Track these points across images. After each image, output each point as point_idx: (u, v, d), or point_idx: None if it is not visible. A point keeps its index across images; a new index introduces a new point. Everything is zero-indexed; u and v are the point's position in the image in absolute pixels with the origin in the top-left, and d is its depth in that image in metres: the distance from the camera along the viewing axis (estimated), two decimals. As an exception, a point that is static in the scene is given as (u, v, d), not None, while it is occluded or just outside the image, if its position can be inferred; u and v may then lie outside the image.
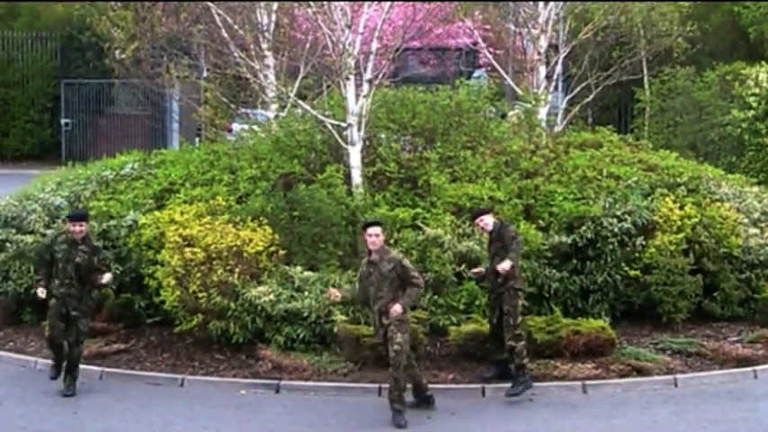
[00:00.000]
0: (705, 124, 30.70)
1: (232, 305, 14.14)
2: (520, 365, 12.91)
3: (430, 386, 13.07)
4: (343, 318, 13.89)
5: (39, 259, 13.48)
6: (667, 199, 16.09)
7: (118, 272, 15.13)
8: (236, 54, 18.07)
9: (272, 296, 14.14)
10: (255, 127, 18.78)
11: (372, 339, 13.13)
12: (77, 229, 12.94)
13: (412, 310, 14.25)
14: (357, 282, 12.74)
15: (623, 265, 15.41)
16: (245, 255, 14.49)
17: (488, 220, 13.50)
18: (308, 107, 17.08)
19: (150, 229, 15.24)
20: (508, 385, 12.89)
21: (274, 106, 18.26)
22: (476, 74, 28.50)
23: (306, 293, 14.14)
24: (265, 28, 18.13)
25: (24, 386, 13.64)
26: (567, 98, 22.34)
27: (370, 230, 12.43)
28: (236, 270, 14.35)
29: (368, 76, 16.49)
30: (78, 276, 12.85)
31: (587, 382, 13.62)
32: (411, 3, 19.41)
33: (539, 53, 21.24)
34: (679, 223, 15.71)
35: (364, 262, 12.53)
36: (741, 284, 16.17)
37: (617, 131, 20.08)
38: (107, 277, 13.16)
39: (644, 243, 15.51)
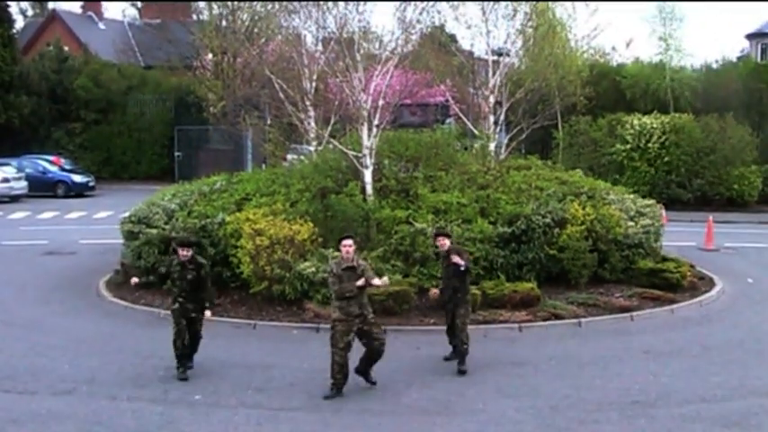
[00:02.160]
0: (598, 154, 30.82)
1: (287, 274, 14.12)
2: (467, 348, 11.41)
3: (421, 328, 13.00)
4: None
5: (169, 280, 11.41)
6: (574, 203, 16.06)
7: (212, 252, 15.16)
8: (289, 108, 18.04)
9: (313, 268, 14.12)
10: (302, 157, 18.78)
11: (379, 296, 13.09)
12: (184, 253, 11.11)
13: (405, 277, 14.31)
14: (335, 278, 10.29)
15: (545, 246, 15.36)
16: (295, 241, 14.46)
17: (447, 242, 11.53)
18: (336, 143, 17.05)
19: (233, 225, 15.21)
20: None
21: (314, 143, 18.23)
22: (447, 121, 28.36)
23: (336, 266, 14.12)
24: (308, 91, 18.11)
25: (154, 328, 13.63)
26: (508, 136, 22.28)
27: (346, 242, 10.34)
28: (290, 251, 14.33)
29: (376, 122, 16.43)
30: (191, 287, 11.10)
31: (522, 324, 13.60)
32: (405, 73, 19.45)
33: (489, 107, 21.21)
34: (582, 219, 15.68)
35: (340, 266, 10.28)
36: (622, 259, 16.18)
37: (541, 158, 20.09)
38: (208, 314, 11.21)
39: (559, 232, 15.46)
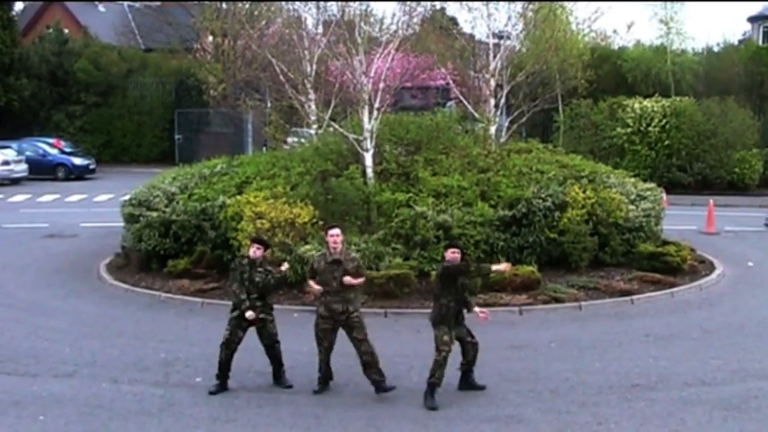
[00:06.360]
0: (599, 137, 30.76)
1: (288, 257, 14.07)
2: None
3: (422, 311, 13.05)
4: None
5: (236, 282, 10.04)
6: (575, 186, 16.03)
7: (212, 235, 15.15)
8: (289, 91, 17.96)
9: (314, 251, 14.06)
10: (303, 140, 18.73)
11: (379, 279, 13.05)
12: (254, 250, 10.07)
13: (406, 260, 14.27)
14: (312, 274, 9.82)
15: (546, 230, 15.34)
16: (296, 224, 14.46)
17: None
18: (337, 126, 16.99)
19: (233, 208, 15.20)
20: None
21: (315, 126, 18.16)
22: (448, 104, 28.25)
23: (336, 250, 14.07)
24: (309, 74, 18.03)
25: (154, 311, 13.65)
26: (509, 120, 22.20)
27: (333, 232, 9.60)
28: (291, 234, 14.34)
29: (376, 105, 16.40)
30: (259, 290, 9.97)
31: (522, 308, 13.63)
32: (406, 56, 19.37)
33: (489, 90, 21.10)
34: (582, 202, 15.66)
35: (325, 260, 9.64)
36: (623, 242, 16.17)
37: (541, 142, 20.03)
38: (285, 266, 10.30)
39: (559, 215, 15.45)
